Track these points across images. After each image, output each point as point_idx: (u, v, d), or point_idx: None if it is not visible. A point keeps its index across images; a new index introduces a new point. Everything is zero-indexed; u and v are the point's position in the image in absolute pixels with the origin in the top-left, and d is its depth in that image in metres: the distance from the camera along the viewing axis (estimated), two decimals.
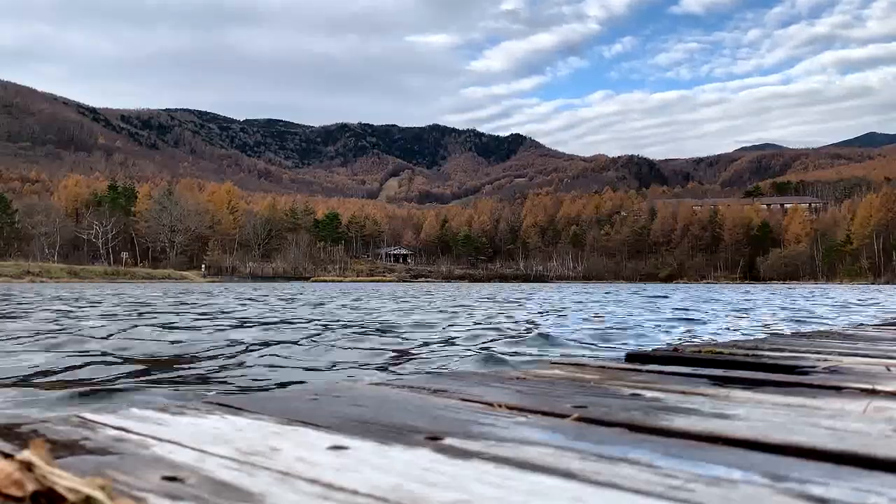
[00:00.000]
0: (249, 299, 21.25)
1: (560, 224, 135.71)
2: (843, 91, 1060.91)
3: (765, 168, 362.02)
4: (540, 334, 7.95)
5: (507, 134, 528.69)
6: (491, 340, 7.49)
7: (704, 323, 11.27)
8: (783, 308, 16.99)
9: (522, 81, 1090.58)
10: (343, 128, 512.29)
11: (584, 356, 5.83)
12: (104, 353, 6.01)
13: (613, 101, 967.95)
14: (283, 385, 4.53)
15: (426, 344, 7.18)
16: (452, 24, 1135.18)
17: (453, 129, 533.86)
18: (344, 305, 16.85)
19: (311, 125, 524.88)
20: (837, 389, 1.52)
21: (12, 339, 7.31)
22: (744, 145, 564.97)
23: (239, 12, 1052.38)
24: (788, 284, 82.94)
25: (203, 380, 4.65)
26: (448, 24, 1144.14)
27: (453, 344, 7.25)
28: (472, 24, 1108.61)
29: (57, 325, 9.54)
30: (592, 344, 7.40)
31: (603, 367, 1.97)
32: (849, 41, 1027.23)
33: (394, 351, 6.44)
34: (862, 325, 6.52)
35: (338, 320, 11.20)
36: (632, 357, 2.25)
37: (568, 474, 0.81)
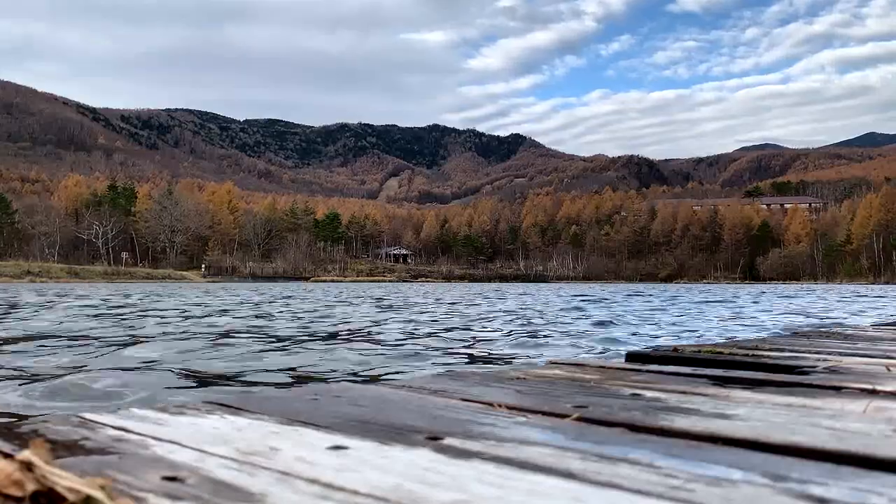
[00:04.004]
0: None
1: (560, 224, 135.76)
2: (842, 90, 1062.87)
3: (765, 168, 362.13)
4: None
5: (506, 134, 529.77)
6: None
7: None
8: None
9: (520, 80, 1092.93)
10: (343, 128, 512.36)
11: (583, 356, 5.83)
12: None
13: (611, 101, 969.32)
14: (283, 385, 4.53)
15: None
16: (449, 21, 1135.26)
17: (453, 129, 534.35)
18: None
19: (311, 125, 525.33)
20: (837, 389, 1.52)
21: None
22: (744, 145, 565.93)
23: (235, 8, 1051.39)
24: (788, 284, 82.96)
25: None
26: (445, 21, 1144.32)
27: None
28: (468, 21, 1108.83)
29: None
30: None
31: (603, 366, 1.96)
32: (848, 40, 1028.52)
33: None
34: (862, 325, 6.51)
35: None
36: (632, 357, 2.25)
37: (568, 474, 0.81)
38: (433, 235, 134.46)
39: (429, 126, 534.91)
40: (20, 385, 4.10)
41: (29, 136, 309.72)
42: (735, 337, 8.37)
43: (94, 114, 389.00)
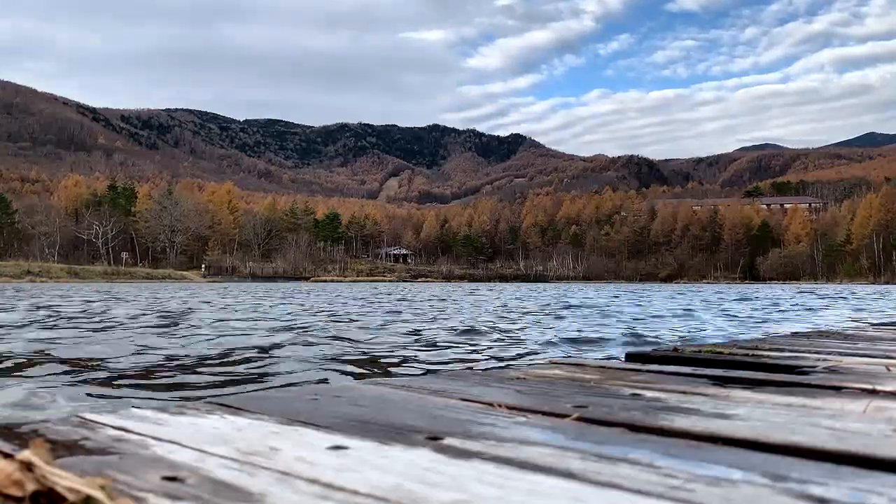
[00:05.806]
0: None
1: (560, 224, 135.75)
2: (841, 90, 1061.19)
3: (765, 168, 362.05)
4: None
5: (506, 134, 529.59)
6: None
7: None
8: None
9: (519, 80, 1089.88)
10: (343, 128, 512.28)
11: (583, 356, 5.83)
12: None
13: (610, 100, 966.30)
14: (283, 385, 4.53)
15: None
16: (448, 20, 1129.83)
17: (453, 129, 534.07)
18: None
19: (311, 125, 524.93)
20: (837, 389, 1.52)
21: None
22: (744, 145, 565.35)
23: (231, 6, 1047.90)
24: (788, 284, 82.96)
25: None
26: (443, 20, 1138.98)
27: None
28: (467, 20, 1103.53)
29: None
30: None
31: (603, 366, 1.96)
32: (847, 39, 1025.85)
33: None
34: (862, 325, 6.51)
35: None
36: (632, 357, 2.25)
37: (568, 474, 0.81)
38: (433, 235, 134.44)
39: (429, 126, 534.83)
40: None
41: (29, 136, 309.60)
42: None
43: (94, 114, 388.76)
